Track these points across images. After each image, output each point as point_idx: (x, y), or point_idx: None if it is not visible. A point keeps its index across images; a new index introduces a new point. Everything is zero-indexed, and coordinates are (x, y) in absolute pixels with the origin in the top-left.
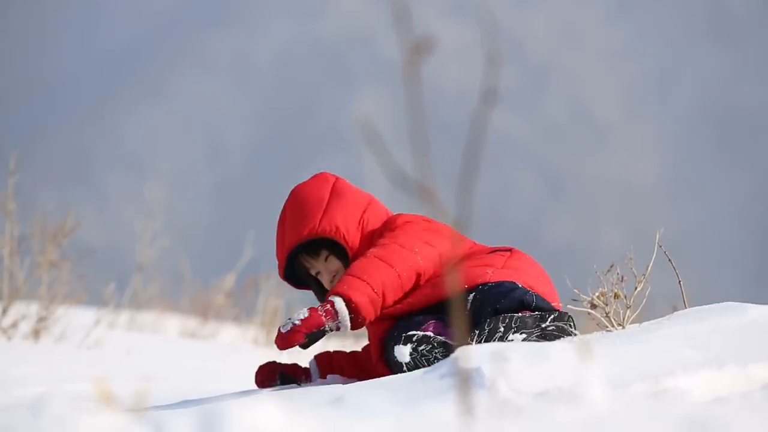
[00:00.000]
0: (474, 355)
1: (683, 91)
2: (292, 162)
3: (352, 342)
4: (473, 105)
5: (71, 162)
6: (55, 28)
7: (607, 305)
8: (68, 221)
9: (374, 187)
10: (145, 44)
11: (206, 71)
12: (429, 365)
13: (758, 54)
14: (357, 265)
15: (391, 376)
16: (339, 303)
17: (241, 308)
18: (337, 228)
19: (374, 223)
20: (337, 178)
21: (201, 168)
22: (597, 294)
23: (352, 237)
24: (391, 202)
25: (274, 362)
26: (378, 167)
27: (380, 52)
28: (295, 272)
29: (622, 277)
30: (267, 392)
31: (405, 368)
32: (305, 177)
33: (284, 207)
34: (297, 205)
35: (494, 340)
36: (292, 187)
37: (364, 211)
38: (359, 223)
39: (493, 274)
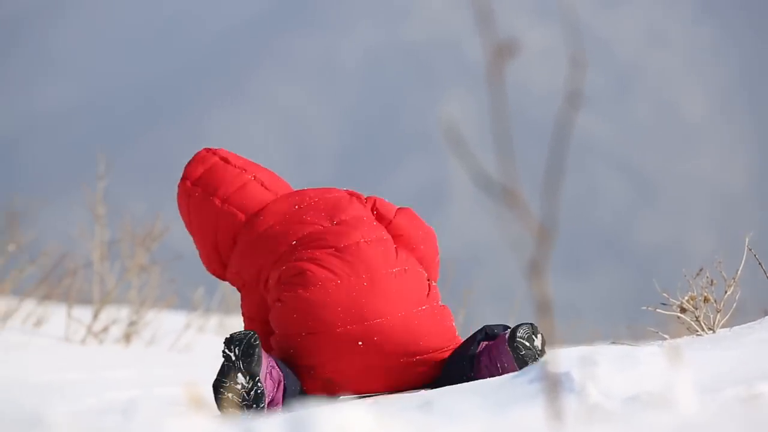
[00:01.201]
0: (563, 359)
1: None
2: (378, 165)
3: None
4: (558, 107)
5: (159, 166)
6: (144, 34)
7: (696, 309)
8: (157, 225)
9: (459, 189)
10: (230, 46)
11: (291, 73)
12: None
13: None
14: None
15: (479, 381)
16: None
17: None
18: (209, 270)
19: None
20: (189, 195)
21: (288, 171)
22: (687, 298)
23: (219, 264)
24: (476, 205)
25: None
26: (463, 170)
27: (466, 55)
28: None
29: (712, 281)
30: (355, 397)
31: None
32: (391, 180)
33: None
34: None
35: None
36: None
37: (215, 233)
38: (216, 247)
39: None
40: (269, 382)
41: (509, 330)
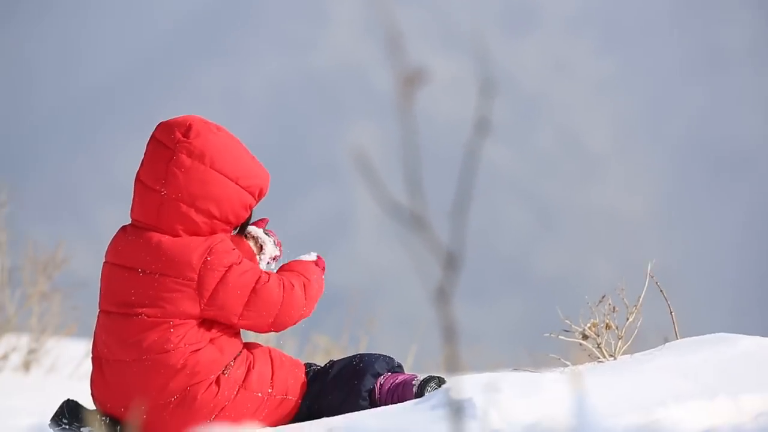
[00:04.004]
0: (466, 385)
1: (674, 122)
2: (283, 195)
3: None
4: (466, 136)
5: (62, 194)
6: (45, 62)
7: (598, 336)
8: (59, 253)
9: (365, 218)
10: (135, 77)
11: (197, 104)
12: None
13: (750, 85)
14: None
15: (381, 408)
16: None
17: None
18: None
19: None
20: None
21: None
22: (588, 325)
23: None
24: (382, 234)
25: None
26: (372, 199)
27: (373, 84)
28: None
29: (614, 308)
30: (257, 425)
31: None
32: (296, 210)
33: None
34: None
35: None
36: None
37: None
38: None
39: None
40: None
41: (418, 382)
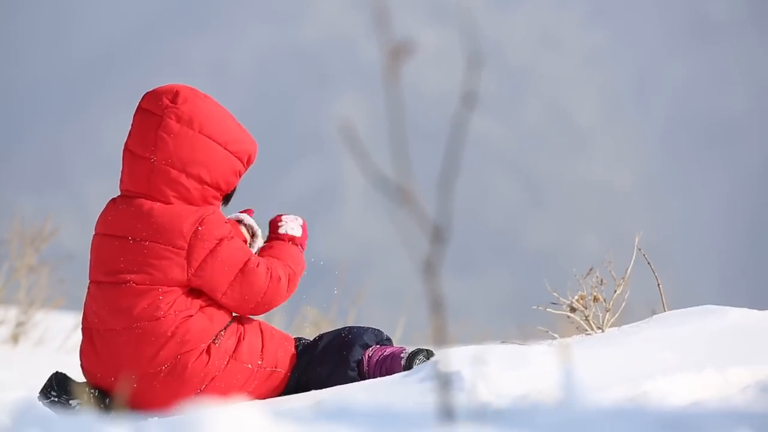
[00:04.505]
0: (454, 358)
1: (663, 94)
2: (271, 167)
3: None
4: (453, 108)
5: (50, 167)
6: (33, 33)
7: (586, 308)
8: (47, 226)
9: (353, 191)
10: (124, 49)
11: (185, 77)
12: None
13: (737, 57)
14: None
15: (370, 380)
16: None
17: None
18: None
19: None
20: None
21: None
22: (576, 297)
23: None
24: (369, 207)
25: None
26: (358, 171)
27: (361, 56)
28: None
29: (602, 281)
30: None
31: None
32: (284, 183)
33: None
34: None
35: None
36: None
37: None
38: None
39: None
40: None
41: (406, 355)
